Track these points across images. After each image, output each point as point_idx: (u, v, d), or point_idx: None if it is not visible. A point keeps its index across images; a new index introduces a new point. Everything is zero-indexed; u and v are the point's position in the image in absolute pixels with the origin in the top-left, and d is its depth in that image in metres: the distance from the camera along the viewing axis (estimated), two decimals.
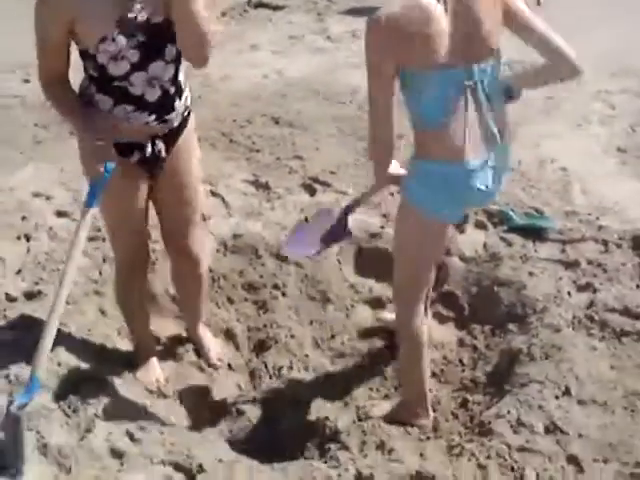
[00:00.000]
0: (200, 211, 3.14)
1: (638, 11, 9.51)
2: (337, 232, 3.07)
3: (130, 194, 2.84)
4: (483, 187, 2.57)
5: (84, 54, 2.57)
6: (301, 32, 8.07)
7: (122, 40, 2.47)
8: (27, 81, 6.33)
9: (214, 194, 4.45)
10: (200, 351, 3.50)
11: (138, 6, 2.48)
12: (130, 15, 2.46)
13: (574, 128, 5.58)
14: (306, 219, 3.97)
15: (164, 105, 2.69)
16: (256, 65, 6.90)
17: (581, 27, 8.82)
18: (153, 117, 2.68)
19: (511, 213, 4.15)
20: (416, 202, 2.64)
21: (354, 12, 9.17)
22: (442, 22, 2.33)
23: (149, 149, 2.76)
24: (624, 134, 5.57)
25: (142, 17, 2.49)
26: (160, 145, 2.78)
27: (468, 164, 2.50)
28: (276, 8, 9.24)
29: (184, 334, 3.61)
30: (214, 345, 3.52)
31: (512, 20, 2.50)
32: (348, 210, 3.09)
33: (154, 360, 3.36)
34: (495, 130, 2.54)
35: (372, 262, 3.89)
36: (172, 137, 2.81)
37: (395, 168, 2.76)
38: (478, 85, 2.45)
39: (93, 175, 2.59)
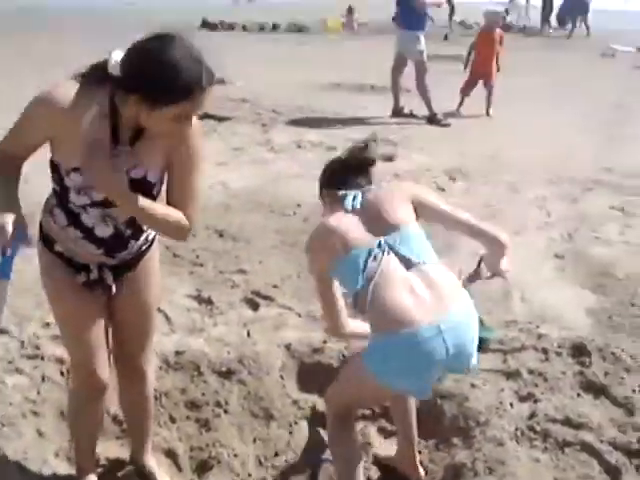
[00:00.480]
0: (154, 333, 3.10)
1: (574, 120, 9.95)
2: None
3: (84, 312, 2.76)
4: (441, 357, 2.57)
5: (54, 166, 2.53)
6: (245, 143, 8.24)
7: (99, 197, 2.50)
8: None
9: (157, 310, 4.42)
10: (145, 477, 3.40)
11: (123, 156, 2.47)
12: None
13: (512, 235, 5.70)
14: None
15: (115, 244, 2.67)
16: None
17: (520, 134, 9.21)
18: (101, 251, 2.66)
19: None
20: (369, 367, 2.66)
21: (298, 123, 9.42)
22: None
23: (95, 274, 2.72)
24: (561, 240, 5.73)
25: (123, 167, 2.48)
26: (107, 273, 2.74)
27: (418, 331, 2.54)
28: (222, 119, 9.46)
29: (127, 457, 3.51)
30: (160, 473, 3.41)
31: (429, 214, 2.88)
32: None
33: None
34: (444, 291, 2.65)
35: (315, 377, 3.87)
36: (124, 267, 2.79)
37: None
38: (387, 252, 2.70)
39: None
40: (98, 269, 2.72)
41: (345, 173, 2.97)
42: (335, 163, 3.05)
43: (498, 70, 10.87)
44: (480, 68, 10.77)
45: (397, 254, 2.71)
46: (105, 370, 2.87)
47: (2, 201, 2.49)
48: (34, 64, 13.74)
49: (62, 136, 2.43)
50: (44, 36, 18.45)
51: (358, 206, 2.84)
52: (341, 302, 2.91)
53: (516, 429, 3.38)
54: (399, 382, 2.67)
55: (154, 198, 2.61)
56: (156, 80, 2.29)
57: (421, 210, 2.85)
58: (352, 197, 2.87)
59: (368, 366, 2.65)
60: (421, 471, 3.27)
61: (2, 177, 2.56)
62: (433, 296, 2.62)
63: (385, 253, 2.70)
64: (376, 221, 2.78)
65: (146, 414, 3.27)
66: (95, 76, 2.42)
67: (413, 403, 3.19)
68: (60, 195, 2.58)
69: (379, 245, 2.72)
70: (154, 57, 2.30)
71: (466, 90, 10.84)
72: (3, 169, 2.57)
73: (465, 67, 11.10)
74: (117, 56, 2.38)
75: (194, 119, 2.47)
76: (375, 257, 2.69)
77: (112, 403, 3.53)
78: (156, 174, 2.58)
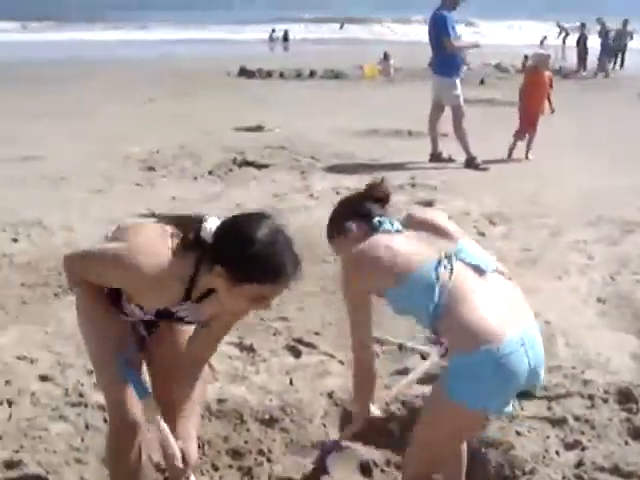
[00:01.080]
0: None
1: (612, 162, 9.88)
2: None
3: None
4: (525, 370, 2.48)
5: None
6: (284, 190, 8.30)
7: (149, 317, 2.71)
8: (15, 240, 6.46)
9: None
10: None
11: (184, 307, 2.64)
12: (172, 309, 2.63)
13: (554, 280, 5.68)
14: None
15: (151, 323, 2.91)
16: None
17: (559, 177, 9.17)
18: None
19: None
20: (457, 398, 2.49)
21: (336, 169, 9.48)
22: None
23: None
24: (603, 283, 5.67)
25: (179, 314, 2.67)
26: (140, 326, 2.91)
27: (505, 345, 2.42)
28: (260, 167, 9.57)
29: None
30: None
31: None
32: (325, 452, 3.32)
33: None
34: (516, 301, 2.60)
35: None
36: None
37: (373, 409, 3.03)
38: (455, 262, 2.58)
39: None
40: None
41: (367, 205, 2.91)
42: (354, 197, 3.02)
43: (552, 112, 10.87)
44: (531, 110, 10.71)
45: (466, 263, 2.60)
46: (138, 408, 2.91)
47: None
48: (73, 115, 14.05)
49: (141, 292, 2.60)
50: (82, 85, 18.85)
51: (400, 229, 2.78)
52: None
53: (563, 478, 3.33)
54: (493, 402, 2.55)
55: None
56: (249, 258, 2.38)
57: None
58: (388, 222, 2.80)
59: (456, 396, 2.47)
60: None
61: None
62: (509, 307, 2.54)
63: (454, 263, 2.58)
64: (432, 236, 2.71)
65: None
66: (187, 241, 2.52)
67: (465, 453, 3.14)
68: (110, 293, 2.72)
69: (446, 256, 2.59)
70: (251, 235, 2.40)
71: (519, 134, 10.73)
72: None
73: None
74: (212, 224, 2.50)
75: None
76: (445, 267, 2.55)
77: (152, 450, 3.56)
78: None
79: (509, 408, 2.74)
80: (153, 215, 2.69)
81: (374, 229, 2.80)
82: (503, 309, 2.51)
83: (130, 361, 2.76)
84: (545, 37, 37.31)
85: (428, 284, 2.52)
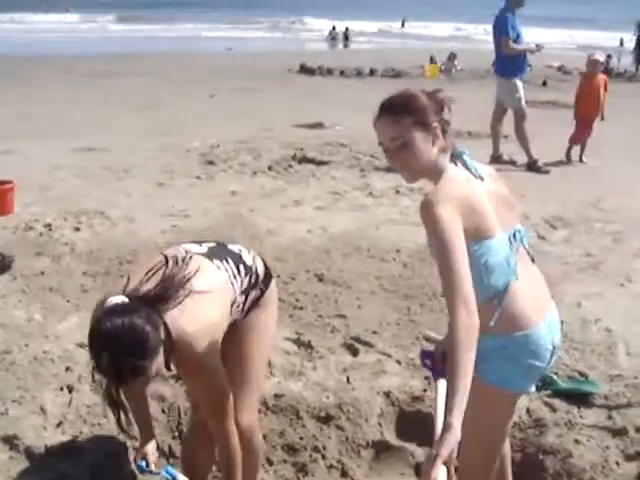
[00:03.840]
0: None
1: None
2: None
3: None
4: (552, 346, 2.57)
5: None
6: (344, 188, 8.31)
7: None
8: (77, 229, 6.59)
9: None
10: None
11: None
12: None
13: (616, 287, 5.58)
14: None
15: None
16: (300, 220, 7.10)
17: (621, 182, 8.99)
18: None
19: (554, 377, 4.10)
20: (496, 381, 2.54)
21: None
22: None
23: None
24: None
25: None
26: None
27: (540, 328, 2.51)
28: (320, 163, 9.57)
29: None
30: None
31: None
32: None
33: None
34: (545, 288, 2.63)
35: (414, 426, 3.84)
36: None
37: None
38: (521, 244, 2.55)
39: None
40: None
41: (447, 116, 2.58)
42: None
43: (602, 118, 10.65)
44: (585, 114, 10.55)
45: (525, 247, 2.57)
46: None
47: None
48: (136, 109, 14.24)
49: None
50: (146, 79, 19.10)
51: (479, 175, 2.52)
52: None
53: None
54: (524, 383, 2.61)
55: None
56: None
57: None
58: (469, 158, 2.54)
59: (491, 379, 2.51)
60: None
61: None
62: (542, 293, 2.61)
63: (519, 244, 2.53)
64: (505, 206, 2.54)
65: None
66: None
67: (509, 456, 3.10)
68: None
69: (514, 235, 2.52)
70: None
71: (575, 140, 10.57)
72: None
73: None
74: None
75: None
76: (511, 245, 2.48)
77: None
78: None
79: (534, 388, 2.78)
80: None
81: (457, 155, 2.54)
82: (540, 296, 2.57)
83: None
84: (622, 39, 36.32)
85: (504, 258, 2.45)
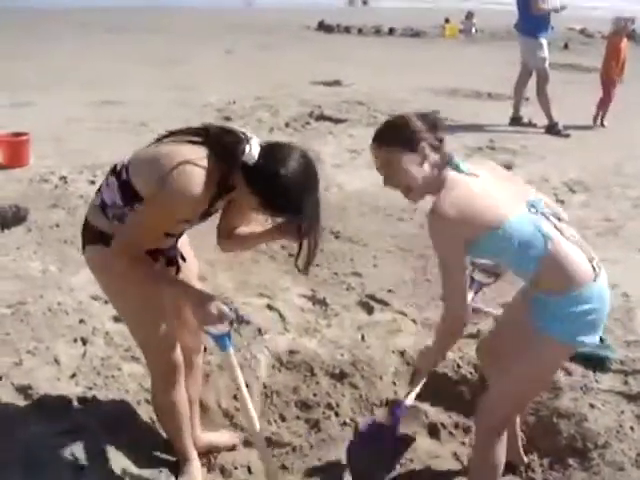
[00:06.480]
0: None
1: None
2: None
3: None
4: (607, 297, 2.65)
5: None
6: (361, 146, 8.23)
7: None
8: (93, 182, 6.56)
9: (271, 308, 4.48)
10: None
11: (221, 203, 2.75)
12: (211, 209, 2.72)
13: (635, 252, 5.53)
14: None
15: None
16: None
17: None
18: None
19: None
20: (558, 335, 2.62)
21: None
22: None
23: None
24: None
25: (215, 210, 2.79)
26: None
27: (600, 283, 2.59)
28: (337, 121, 9.50)
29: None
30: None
31: None
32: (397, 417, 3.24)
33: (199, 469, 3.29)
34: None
35: (427, 385, 3.81)
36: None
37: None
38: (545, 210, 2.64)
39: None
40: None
41: (440, 134, 2.68)
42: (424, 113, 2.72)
43: (621, 81, 10.50)
44: (608, 77, 10.40)
45: (548, 213, 2.63)
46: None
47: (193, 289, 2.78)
48: (153, 63, 14.15)
49: (189, 216, 2.69)
50: (161, 34, 18.96)
51: (471, 172, 2.64)
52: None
53: (638, 454, 3.25)
54: (584, 336, 2.63)
55: None
56: (277, 193, 2.49)
57: None
58: (462, 162, 2.66)
59: (554, 333, 2.60)
60: (524, 458, 3.33)
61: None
62: (589, 251, 2.63)
63: (540, 211, 2.62)
64: (512, 187, 2.70)
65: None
66: (224, 156, 2.56)
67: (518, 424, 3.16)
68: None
69: (532, 205, 2.62)
70: (281, 170, 2.47)
71: (603, 105, 10.43)
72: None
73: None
74: (255, 149, 2.54)
75: None
76: (535, 214, 2.59)
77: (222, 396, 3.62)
78: None
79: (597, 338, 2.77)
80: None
81: (449, 162, 2.65)
82: (586, 253, 2.61)
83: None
84: None
85: (535, 229, 2.56)
